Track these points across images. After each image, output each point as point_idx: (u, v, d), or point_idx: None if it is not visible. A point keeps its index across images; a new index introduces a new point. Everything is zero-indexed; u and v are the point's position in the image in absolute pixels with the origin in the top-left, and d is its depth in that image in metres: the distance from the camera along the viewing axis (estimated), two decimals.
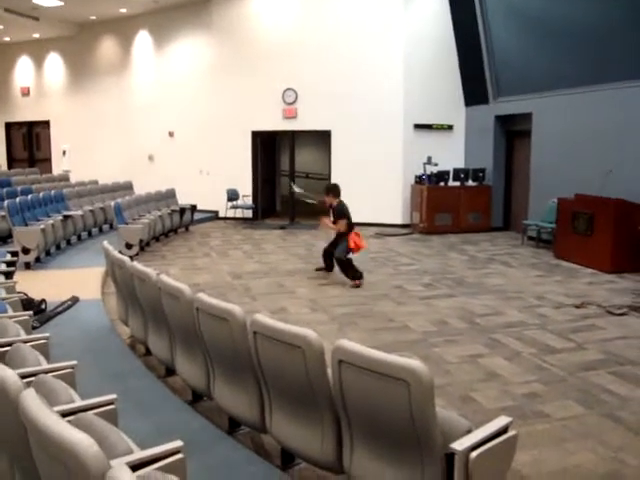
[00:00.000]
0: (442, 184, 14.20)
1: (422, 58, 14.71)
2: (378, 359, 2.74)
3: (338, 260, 9.21)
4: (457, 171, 14.28)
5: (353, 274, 9.01)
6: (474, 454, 2.59)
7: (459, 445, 2.60)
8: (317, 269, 9.93)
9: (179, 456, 2.49)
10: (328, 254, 9.61)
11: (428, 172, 14.21)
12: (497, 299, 8.09)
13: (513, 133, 14.19)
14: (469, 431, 2.81)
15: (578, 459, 3.92)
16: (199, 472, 3.15)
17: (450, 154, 14.86)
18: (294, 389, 3.31)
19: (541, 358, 5.80)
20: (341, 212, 9.30)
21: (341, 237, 9.26)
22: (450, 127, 15.13)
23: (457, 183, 14.28)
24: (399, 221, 14.95)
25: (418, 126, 14.83)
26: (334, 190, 9.52)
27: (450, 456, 2.62)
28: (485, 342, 6.31)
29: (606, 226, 9.71)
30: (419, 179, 14.40)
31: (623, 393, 4.94)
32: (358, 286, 8.86)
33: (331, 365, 3.01)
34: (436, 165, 14.24)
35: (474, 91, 14.59)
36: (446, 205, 14.09)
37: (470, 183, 14.36)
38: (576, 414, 4.57)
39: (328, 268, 9.72)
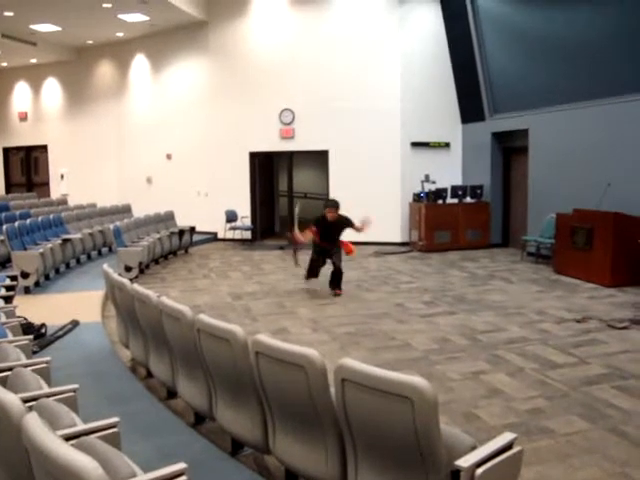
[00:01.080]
0: (440, 202, 14.23)
1: (418, 76, 14.81)
2: (381, 377, 2.73)
3: (340, 270, 9.63)
4: (455, 188, 14.31)
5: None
6: (480, 471, 2.58)
7: (464, 462, 2.58)
8: (308, 279, 10.20)
9: (183, 478, 2.48)
10: (317, 269, 9.97)
11: (426, 190, 14.26)
12: (498, 315, 8.07)
13: (510, 149, 14.25)
14: (474, 448, 2.80)
15: (583, 475, 3.89)
16: None
17: (448, 171, 14.92)
18: (297, 409, 3.30)
19: (544, 373, 5.78)
20: (349, 222, 9.80)
21: (333, 248, 9.68)
22: (447, 144, 15.20)
23: (455, 200, 14.31)
24: (398, 239, 14.96)
25: (415, 144, 14.90)
26: (337, 205, 9.86)
27: (455, 473, 2.60)
28: (487, 358, 6.29)
29: (605, 240, 9.72)
30: (417, 197, 14.43)
31: (627, 407, 4.92)
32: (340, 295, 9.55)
33: (334, 384, 3.00)
34: (434, 183, 14.29)
35: (470, 108, 14.68)
36: (445, 222, 14.11)
37: (468, 200, 14.39)
38: (580, 429, 4.54)
39: (314, 275, 10.07)
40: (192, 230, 14.64)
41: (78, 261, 12.28)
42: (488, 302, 8.88)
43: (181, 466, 2.50)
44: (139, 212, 15.30)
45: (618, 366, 5.93)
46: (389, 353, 6.59)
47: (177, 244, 13.97)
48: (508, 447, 2.81)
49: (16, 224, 10.76)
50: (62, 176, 20.14)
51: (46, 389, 3.29)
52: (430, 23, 14.86)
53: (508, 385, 5.50)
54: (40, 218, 12.13)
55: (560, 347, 6.59)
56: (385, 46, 14.83)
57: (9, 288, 6.98)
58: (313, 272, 10.02)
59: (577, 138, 11.43)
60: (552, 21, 11.63)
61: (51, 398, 3.06)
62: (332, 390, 3.10)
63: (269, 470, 3.92)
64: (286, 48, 15.49)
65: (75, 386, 3.46)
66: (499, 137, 14.22)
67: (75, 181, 19.65)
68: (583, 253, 10.18)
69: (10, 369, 3.48)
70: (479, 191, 14.31)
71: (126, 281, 5.61)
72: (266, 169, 17.23)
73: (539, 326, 7.47)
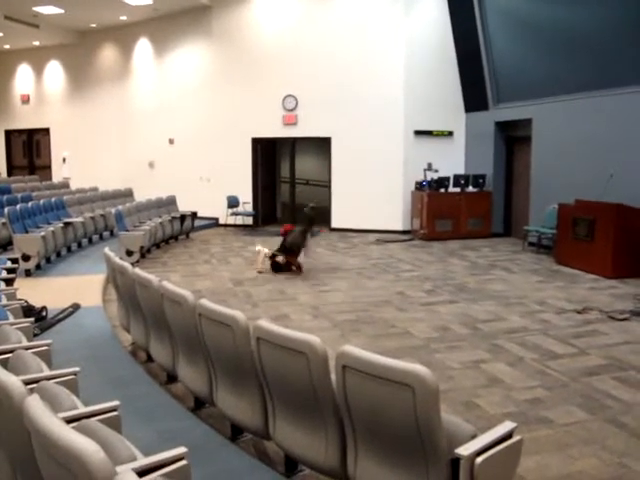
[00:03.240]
0: (442, 190, 14.20)
1: (422, 64, 14.74)
2: (383, 364, 2.73)
3: (290, 247, 10.36)
4: (457, 177, 14.28)
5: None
6: (479, 459, 2.58)
7: (464, 450, 2.59)
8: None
9: (183, 463, 2.48)
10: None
11: (428, 178, 14.23)
12: (499, 305, 8.08)
13: (513, 139, 14.21)
14: (474, 436, 2.80)
15: (582, 465, 3.90)
16: (202, 479, 3.14)
17: (450, 160, 14.87)
18: (297, 395, 3.30)
19: (544, 364, 5.78)
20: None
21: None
22: (450, 133, 15.16)
23: (457, 189, 14.28)
24: (399, 227, 14.95)
25: (418, 132, 14.86)
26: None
27: (455, 461, 2.61)
28: (487, 348, 6.30)
29: (607, 231, 9.70)
30: (419, 185, 14.40)
31: (626, 398, 4.92)
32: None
33: (335, 371, 3.00)
34: (436, 171, 14.26)
35: (474, 97, 14.62)
36: (446, 211, 14.09)
37: (470, 189, 14.36)
38: (579, 420, 4.55)
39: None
40: (194, 215, 14.63)
41: (79, 245, 12.29)
42: (489, 291, 8.88)
43: (181, 450, 2.51)
44: (141, 196, 15.30)
45: (618, 357, 5.94)
46: (390, 341, 6.60)
47: (179, 229, 13.97)
48: (508, 436, 2.81)
49: (18, 207, 10.76)
50: (64, 159, 20.12)
51: (47, 372, 3.30)
52: (435, 11, 14.77)
53: (508, 374, 5.51)
54: (42, 201, 12.13)
55: (560, 337, 6.59)
56: (390, 33, 14.75)
57: (10, 271, 6.99)
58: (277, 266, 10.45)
59: (580, 129, 11.39)
60: (557, 11, 11.56)
61: (52, 381, 3.06)
62: (333, 377, 3.10)
63: (268, 456, 3.93)
64: (290, 34, 15.42)
65: (76, 369, 3.47)
66: (502, 126, 14.17)
67: (77, 164, 19.64)
68: (585, 244, 10.17)
69: (11, 351, 3.49)
70: (481, 180, 14.28)
71: (127, 265, 5.61)
72: (268, 155, 17.19)
73: (540, 316, 7.48)
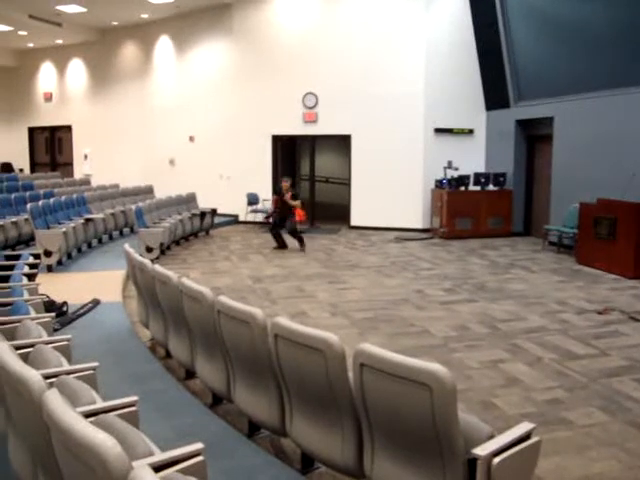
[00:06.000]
0: (462, 188, 14.14)
1: (443, 62, 14.66)
2: (400, 363, 2.72)
3: (292, 232, 12.41)
4: (478, 175, 14.20)
5: (302, 242, 12.41)
6: (497, 460, 2.57)
7: (482, 450, 2.57)
8: (275, 248, 12.54)
9: (200, 459, 2.49)
10: (278, 234, 12.56)
11: (448, 176, 14.15)
12: (518, 304, 8.02)
13: (534, 137, 14.09)
14: (491, 436, 2.78)
15: (601, 467, 3.86)
16: (218, 476, 3.16)
17: (471, 158, 14.78)
18: (315, 392, 3.30)
19: (563, 364, 5.74)
20: (297, 195, 12.67)
21: (288, 215, 12.38)
22: (471, 131, 15.07)
23: (478, 187, 14.21)
24: (419, 225, 14.90)
25: (439, 130, 14.79)
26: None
27: (472, 461, 2.59)
28: (506, 347, 6.26)
29: (629, 231, 9.60)
30: (439, 183, 14.34)
31: None
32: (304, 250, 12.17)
33: (352, 368, 3.00)
34: (457, 169, 14.18)
35: (495, 95, 14.51)
36: (466, 210, 14.02)
37: (491, 187, 14.27)
38: (599, 421, 4.51)
39: (283, 246, 12.59)
40: (213, 212, 14.68)
41: (100, 241, 12.39)
42: (508, 291, 8.83)
43: (198, 446, 2.52)
44: (161, 193, 15.40)
45: (639, 359, 5.87)
46: (408, 339, 6.58)
47: (198, 226, 14.04)
48: (526, 437, 2.79)
49: (40, 203, 10.87)
50: (85, 156, 20.30)
51: (66, 366, 3.33)
52: (456, 8, 14.67)
53: (527, 375, 5.47)
54: (63, 198, 12.25)
55: (580, 338, 6.54)
56: (410, 31, 14.69)
57: (32, 266, 7.05)
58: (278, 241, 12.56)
59: (603, 127, 11.27)
60: (580, 7, 11.45)
61: (71, 375, 3.09)
62: (350, 375, 3.10)
63: (285, 453, 3.93)
64: (310, 31, 15.41)
65: (95, 364, 3.49)
66: (523, 125, 14.06)
67: (98, 161, 19.80)
68: (606, 244, 10.07)
69: (32, 345, 3.52)
70: (502, 179, 14.18)
71: (147, 261, 5.65)
72: (288, 153, 17.21)
73: (559, 316, 7.42)
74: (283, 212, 12.43)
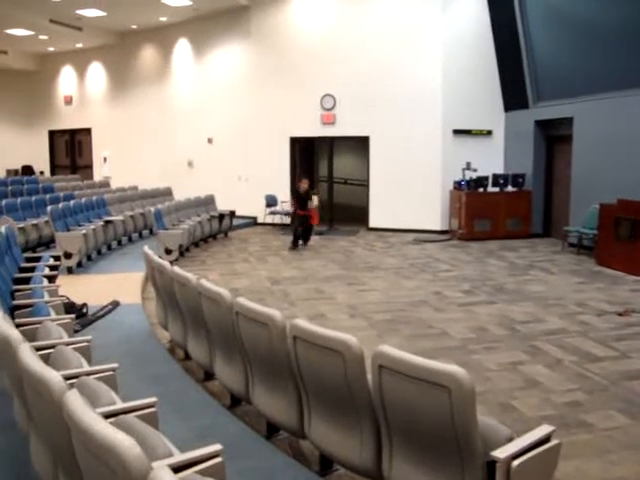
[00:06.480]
0: (481, 190, 14.06)
1: (461, 62, 14.61)
2: (419, 365, 2.72)
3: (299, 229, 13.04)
4: (496, 177, 14.12)
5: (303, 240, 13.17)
6: (516, 463, 2.55)
7: (501, 453, 2.56)
8: (292, 248, 12.84)
9: (218, 460, 2.50)
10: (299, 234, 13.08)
11: (467, 178, 14.10)
12: (537, 306, 7.97)
13: (553, 138, 13.99)
14: (510, 439, 2.76)
15: (622, 471, 3.83)
16: (237, 477, 3.16)
17: (489, 159, 14.71)
18: (333, 394, 3.30)
19: (583, 366, 5.69)
20: (315, 194, 13.73)
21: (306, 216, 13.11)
22: (489, 132, 15.00)
23: (496, 189, 14.12)
24: (438, 227, 14.84)
25: (457, 131, 14.73)
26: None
27: (491, 464, 2.58)
28: (525, 349, 6.22)
29: None
30: (458, 185, 14.28)
31: None
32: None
33: (371, 370, 2.99)
34: (475, 171, 14.12)
35: (514, 96, 14.43)
36: (485, 211, 13.95)
37: (509, 189, 14.19)
38: (620, 424, 4.47)
39: (303, 242, 13.17)
40: (232, 214, 14.73)
41: (119, 243, 12.48)
42: (527, 292, 8.77)
43: (217, 447, 2.53)
44: (180, 195, 15.46)
45: None
46: (426, 341, 6.56)
47: (217, 228, 14.09)
48: (545, 440, 2.78)
49: (60, 206, 10.98)
50: (105, 159, 20.46)
51: (86, 367, 3.36)
52: (474, 8, 14.62)
53: (546, 377, 5.43)
54: (83, 200, 12.36)
55: (601, 340, 6.48)
56: (427, 32, 14.65)
57: (52, 268, 7.12)
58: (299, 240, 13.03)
59: (623, 127, 11.16)
60: (599, 7, 11.34)
61: (91, 376, 3.12)
62: (369, 377, 3.10)
63: (304, 454, 3.94)
64: (328, 33, 15.42)
65: (115, 365, 3.52)
66: (542, 125, 13.97)
67: (118, 164, 19.94)
68: (627, 245, 9.97)
69: (52, 347, 3.55)
70: (521, 180, 14.10)
71: (166, 263, 5.67)
72: (306, 154, 17.21)
73: (579, 318, 7.35)
74: (301, 205, 13.11)
